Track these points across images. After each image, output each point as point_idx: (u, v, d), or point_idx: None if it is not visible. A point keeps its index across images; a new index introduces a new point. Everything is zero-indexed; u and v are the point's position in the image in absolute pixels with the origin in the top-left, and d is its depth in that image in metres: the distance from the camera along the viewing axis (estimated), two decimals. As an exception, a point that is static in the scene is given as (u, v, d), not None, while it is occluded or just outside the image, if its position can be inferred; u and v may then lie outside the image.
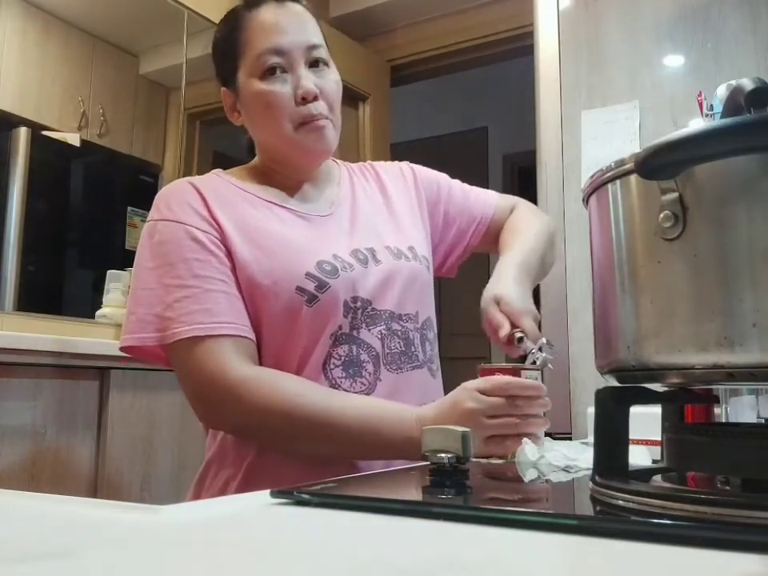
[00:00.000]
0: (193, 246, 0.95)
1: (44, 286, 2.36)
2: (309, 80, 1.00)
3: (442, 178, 1.25)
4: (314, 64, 1.03)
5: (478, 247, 1.24)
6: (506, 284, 1.00)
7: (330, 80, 1.04)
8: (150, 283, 0.94)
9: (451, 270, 1.26)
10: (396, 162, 1.25)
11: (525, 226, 1.17)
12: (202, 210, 0.97)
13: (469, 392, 0.86)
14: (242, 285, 0.96)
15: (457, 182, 1.25)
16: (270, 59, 1.00)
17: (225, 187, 1.03)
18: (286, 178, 1.07)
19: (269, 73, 1.00)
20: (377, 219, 1.11)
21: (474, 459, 0.80)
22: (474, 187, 1.26)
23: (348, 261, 1.00)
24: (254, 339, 0.95)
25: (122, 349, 0.96)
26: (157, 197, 1.01)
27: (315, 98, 1.01)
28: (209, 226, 0.96)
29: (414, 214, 1.16)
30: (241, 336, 0.93)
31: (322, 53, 1.04)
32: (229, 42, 1.04)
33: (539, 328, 0.98)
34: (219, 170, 1.09)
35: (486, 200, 1.23)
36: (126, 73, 2.69)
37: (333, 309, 0.96)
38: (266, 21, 1.01)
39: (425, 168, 1.25)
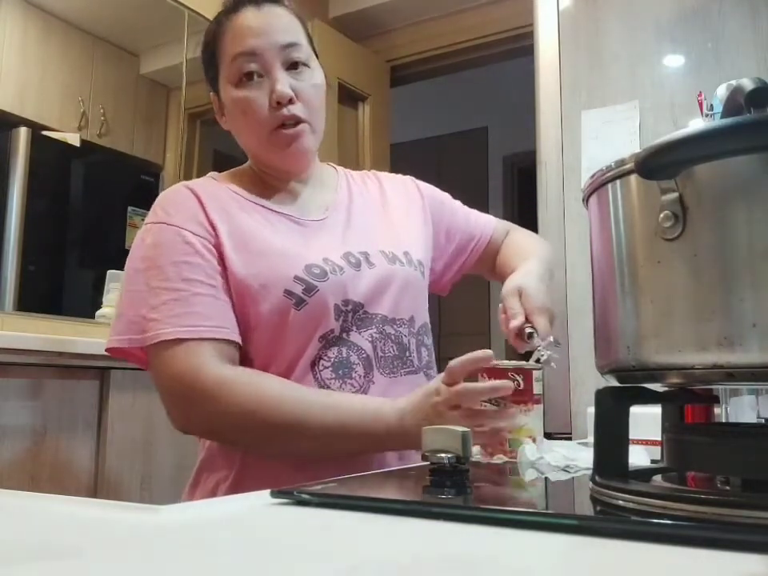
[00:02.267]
0: (184, 249, 0.95)
1: (44, 286, 2.36)
2: (284, 84, 0.99)
3: (446, 197, 1.27)
4: (292, 66, 1.01)
5: (473, 268, 1.26)
6: (530, 278, 1.00)
7: (309, 82, 1.02)
8: (138, 285, 0.95)
9: (444, 287, 1.27)
10: (399, 175, 1.26)
11: (528, 244, 1.20)
12: (199, 213, 0.98)
13: (435, 384, 0.89)
14: (232, 287, 0.96)
15: (458, 203, 1.28)
16: (243, 64, 0.99)
17: (221, 192, 1.03)
18: (278, 180, 1.07)
19: (245, 78, 1.00)
20: (373, 224, 1.11)
21: (474, 459, 0.80)
22: (473, 210, 1.29)
23: (338, 264, 1.00)
24: (239, 342, 0.95)
25: (107, 350, 0.96)
26: (156, 201, 1.01)
27: (291, 102, 0.99)
28: (204, 230, 0.97)
29: (416, 223, 1.16)
30: (224, 339, 0.93)
31: (301, 52, 1.02)
32: (210, 49, 1.05)
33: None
34: (215, 173, 1.09)
35: (486, 221, 1.26)
36: (126, 73, 2.69)
37: (322, 312, 0.96)
38: (241, 25, 1.01)
39: (429, 185, 1.26)
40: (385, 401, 0.92)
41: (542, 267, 1.07)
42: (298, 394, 0.92)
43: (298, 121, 1.00)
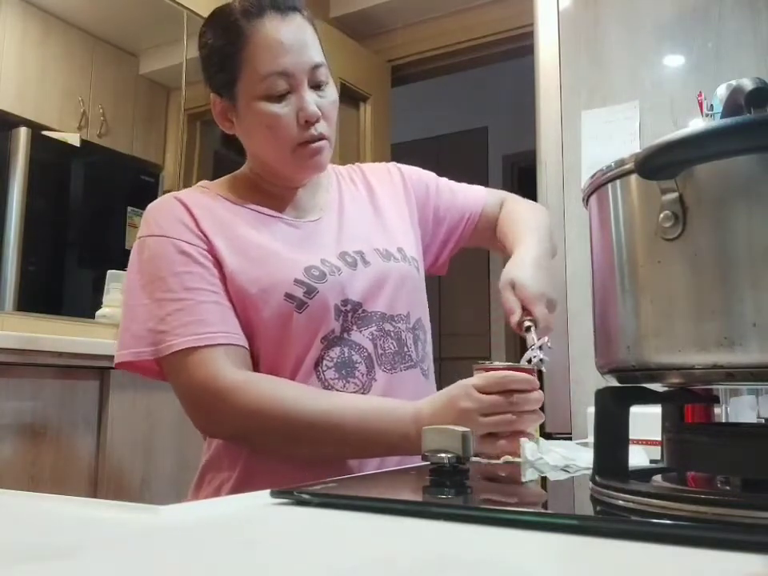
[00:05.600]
0: (182, 260, 0.95)
1: (44, 285, 2.36)
2: (312, 103, 0.99)
3: (430, 176, 1.25)
4: (316, 85, 1.01)
5: (469, 242, 1.24)
6: (522, 267, 0.99)
7: (330, 99, 1.03)
8: (142, 299, 0.95)
9: (442, 267, 1.26)
10: (383, 164, 1.25)
11: (526, 216, 1.17)
12: (189, 223, 0.98)
13: (465, 389, 0.86)
14: (232, 295, 0.96)
15: (444, 180, 1.25)
16: (276, 82, 0.98)
17: (211, 200, 1.03)
18: (277, 187, 1.07)
19: (274, 95, 0.98)
20: (364, 222, 1.11)
21: (475, 459, 0.80)
22: (462, 184, 1.26)
23: (336, 264, 1.00)
24: (247, 347, 0.96)
25: (117, 365, 0.96)
26: (145, 213, 1.01)
27: (317, 120, 1.00)
28: (197, 238, 0.97)
29: (403, 215, 1.16)
30: (234, 344, 0.94)
31: (323, 72, 1.02)
32: (227, 54, 1.00)
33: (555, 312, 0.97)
34: (205, 181, 1.09)
35: (475, 196, 1.24)
36: (126, 73, 2.69)
37: (323, 313, 0.96)
38: (271, 38, 0.98)
39: (412, 167, 1.25)
40: (401, 403, 0.92)
41: (538, 248, 1.05)
42: (317, 396, 0.92)
43: (321, 137, 1.01)
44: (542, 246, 1.07)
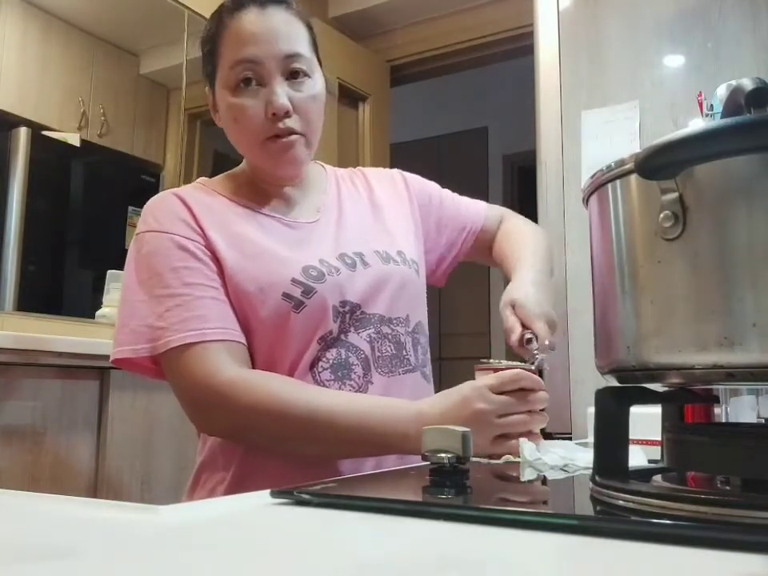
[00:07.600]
0: (181, 255, 0.95)
1: (44, 286, 2.36)
2: (281, 95, 0.97)
3: (433, 187, 1.24)
4: (292, 75, 0.99)
5: (467, 257, 1.24)
6: (522, 288, 1.00)
7: (306, 93, 1.00)
8: (140, 295, 0.94)
9: (440, 279, 1.26)
10: (386, 169, 1.25)
11: (525, 237, 1.17)
12: (188, 219, 0.98)
13: (478, 390, 0.86)
14: (229, 292, 0.96)
15: (447, 192, 1.25)
16: (241, 72, 0.97)
17: (210, 197, 1.03)
18: (270, 185, 1.06)
19: (242, 84, 0.98)
20: (364, 224, 1.10)
21: (475, 459, 0.80)
22: (463, 197, 1.26)
23: (335, 265, 1.00)
24: (245, 343, 0.95)
25: (113, 362, 0.96)
26: (143, 209, 1.01)
27: (287, 114, 0.98)
28: (195, 234, 0.97)
29: (406, 219, 1.16)
30: (232, 341, 0.93)
31: (303, 63, 1.00)
32: (209, 45, 1.03)
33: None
34: (204, 178, 1.09)
35: (476, 210, 1.24)
36: (126, 73, 2.69)
37: (321, 314, 0.96)
38: (243, 30, 0.98)
39: (416, 176, 1.25)
40: (403, 403, 0.92)
41: (535, 270, 1.05)
42: (316, 394, 0.92)
43: (291, 132, 0.99)
44: (541, 266, 1.07)
